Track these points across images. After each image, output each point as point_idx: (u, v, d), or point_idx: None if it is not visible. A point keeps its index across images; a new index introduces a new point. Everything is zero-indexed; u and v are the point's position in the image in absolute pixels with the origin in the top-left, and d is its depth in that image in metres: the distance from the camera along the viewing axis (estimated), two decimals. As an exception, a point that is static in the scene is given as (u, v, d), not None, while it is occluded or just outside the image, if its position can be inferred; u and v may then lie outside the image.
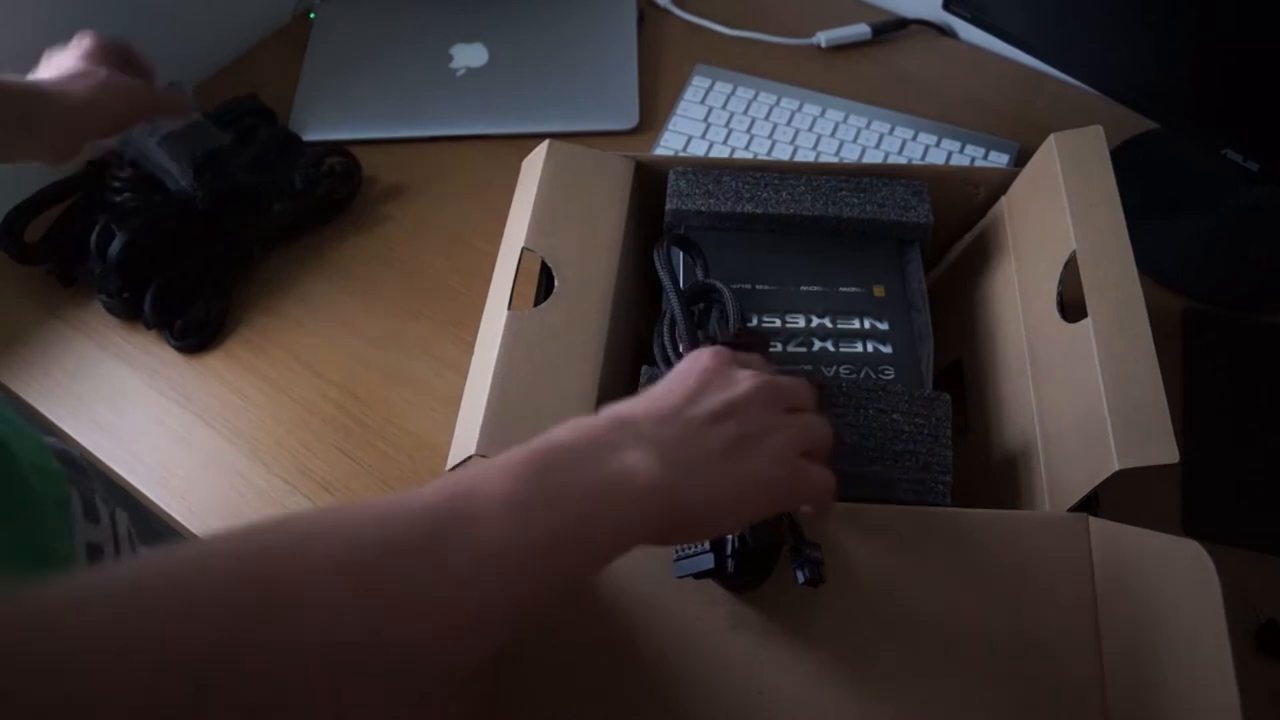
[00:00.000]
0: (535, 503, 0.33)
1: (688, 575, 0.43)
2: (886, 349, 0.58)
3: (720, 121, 0.85)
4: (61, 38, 0.78)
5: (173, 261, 0.72)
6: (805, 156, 0.82)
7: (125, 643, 0.25)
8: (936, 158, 0.81)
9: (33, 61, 0.69)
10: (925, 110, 0.84)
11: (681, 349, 0.50)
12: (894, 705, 0.44)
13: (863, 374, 0.57)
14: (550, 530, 0.33)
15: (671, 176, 0.63)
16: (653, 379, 0.52)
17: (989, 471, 0.56)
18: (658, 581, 0.46)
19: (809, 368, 0.56)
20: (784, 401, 0.40)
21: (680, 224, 0.62)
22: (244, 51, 0.93)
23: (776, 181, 0.62)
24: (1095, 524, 0.46)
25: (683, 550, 0.44)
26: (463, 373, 0.53)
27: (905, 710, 0.44)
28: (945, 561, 0.46)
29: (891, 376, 0.57)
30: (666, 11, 0.95)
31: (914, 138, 0.82)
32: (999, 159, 0.81)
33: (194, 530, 0.64)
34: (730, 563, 0.42)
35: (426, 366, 0.72)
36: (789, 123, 0.84)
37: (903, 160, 0.81)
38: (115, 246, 0.70)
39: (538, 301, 0.56)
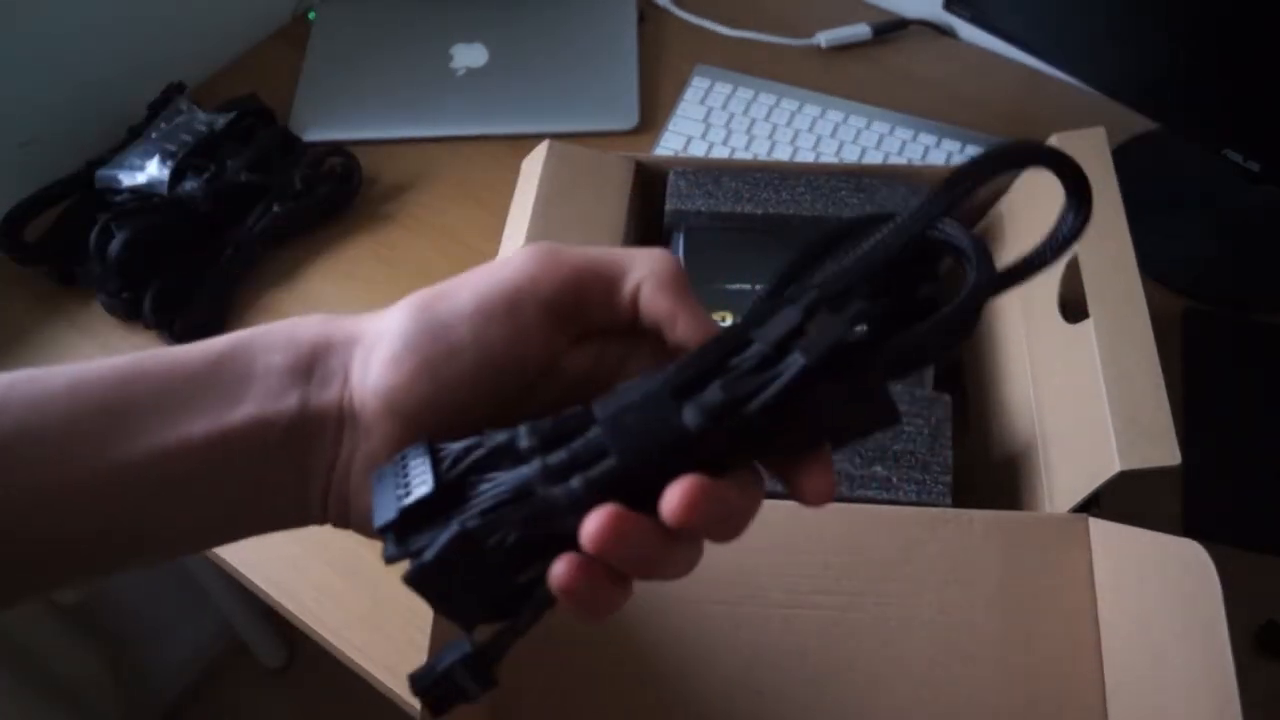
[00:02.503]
0: None
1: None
2: (887, 349, 0.58)
3: (720, 122, 0.85)
4: (62, 39, 0.78)
5: (173, 261, 0.72)
6: (805, 157, 0.82)
7: None
8: (937, 158, 0.81)
9: (31, 62, 0.69)
10: (925, 110, 0.84)
11: None
12: (893, 705, 0.44)
13: (863, 374, 0.57)
14: None
15: (671, 176, 0.63)
16: None
17: (989, 472, 0.56)
18: (659, 581, 0.46)
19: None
20: None
21: (680, 224, 0.62)
22: (244, 51, 0.93)
23: (776, 181, 0.62)
24: (1095, 524, 0.46)
25: None
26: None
27: (904, 710, 0.44)
28: (945, 562, 0.46)
29: (892, 376, 0.57)
30: (666, 11, 0.95)
31: (914, 138, 0.82)
32: (999, 159, 0.80)
33: (194, 530, 0.64)
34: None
35: (426, 366, 0.71)
36: (789, 123, 0.84)
37: (903, 161, 0.81)
38: (115, 246, 0.70)
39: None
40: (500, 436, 0.26)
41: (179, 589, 1.18)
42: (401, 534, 0.26)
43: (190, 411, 0.27)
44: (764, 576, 0.46)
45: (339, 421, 0.28)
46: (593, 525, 0.24)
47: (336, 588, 0.61)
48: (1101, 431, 0.46)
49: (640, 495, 0.25)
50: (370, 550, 0.62)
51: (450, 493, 0.25)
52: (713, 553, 0.47)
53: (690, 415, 0.25)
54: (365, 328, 0.29)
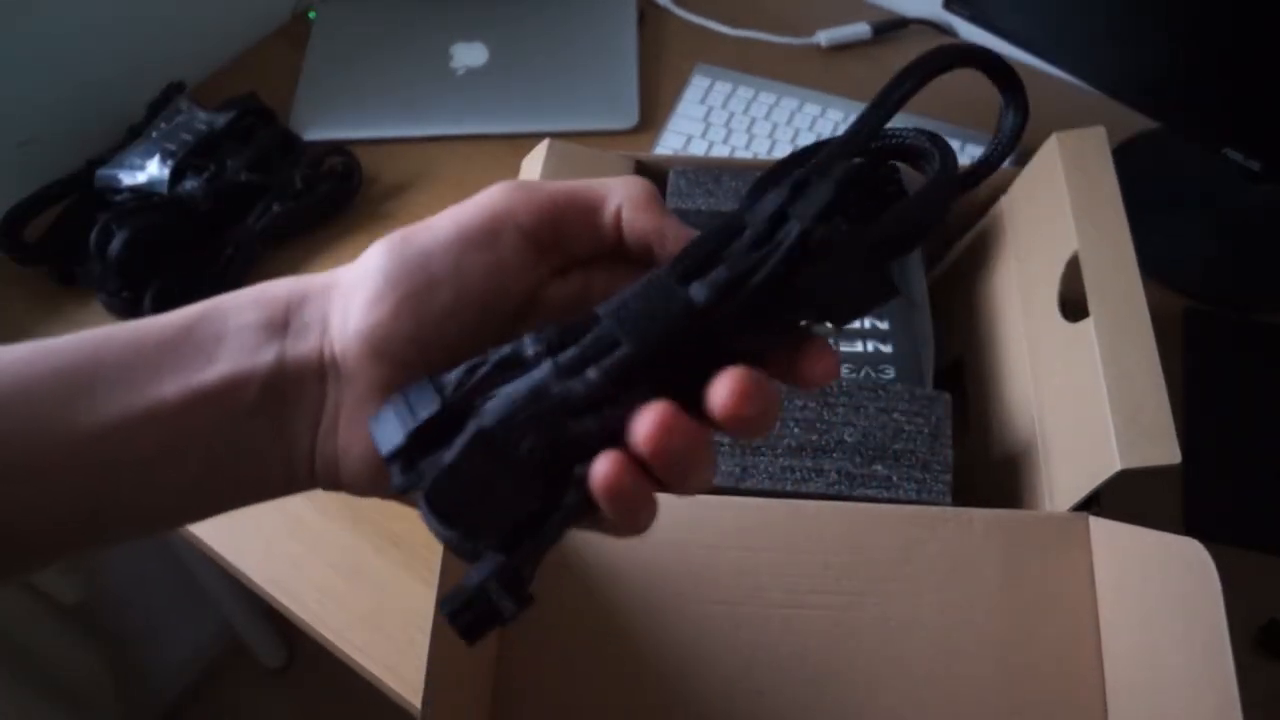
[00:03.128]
0: None
1: None
2: (887, 348, 0.58)
3: (720, 121, 0.85)
4: (62, 39, 0.78)
5: (173, 261, 0.72)
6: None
7: None
8: (937, 157, 0.81)
9: (31, 62, 0.69)
10: (925, 110, 0.84)
11: None
12: (893, 705, 0.44)
13: (863, 373, 0.57)
14: None
15: (671, 176, 0.63)
16: None
17: (989, 471, 0.56)
18: (659, 581, 0.46)
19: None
20: None
21: (680, 223, 0.62)
22: (244, 51, 0.93)
23: (777, 181, 0.62)
24: (1096, 523, 0.46)
25: None
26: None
27: (904, 710, 0.44)
28: (945, 561, 0.46)
29: (891, 376, 0.57)
30: (666, 11, 0.95)
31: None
32: (999, 159, 0.80)
33: (195, 533, 0.64)
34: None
35: (426, 366, 0.71)
36: (789, 123, 0.84)
37: (903, 160, 0.81)
38: (115, 245, 0.70)
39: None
40: (504, 349, 0.25)
41: (179, 589, 1.18)
42: (409, 461, 0.24)
43: (160, 375, 0.26)
44: (764, 576, 0.46)
45: (320, 372, 0.27)
46: (648, 423, 0.23)
47: (338, 588, 0.61)
48: (1102, 430, 0.46)
49: (659, 387, 0.24)
50: (372, 550, 0.62)
51: (459, 416, 0.24)
52: (713, 552, 0.47)
53: (697, 292, 0.24)
54: (341, 275, 0.28)
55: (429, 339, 0.27)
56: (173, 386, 0.26)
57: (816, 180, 0.25)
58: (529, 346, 0.25)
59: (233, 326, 0.27)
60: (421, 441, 0.24)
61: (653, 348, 0.24)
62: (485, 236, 0.27)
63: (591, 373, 0.24)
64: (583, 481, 0.24)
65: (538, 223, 0.28)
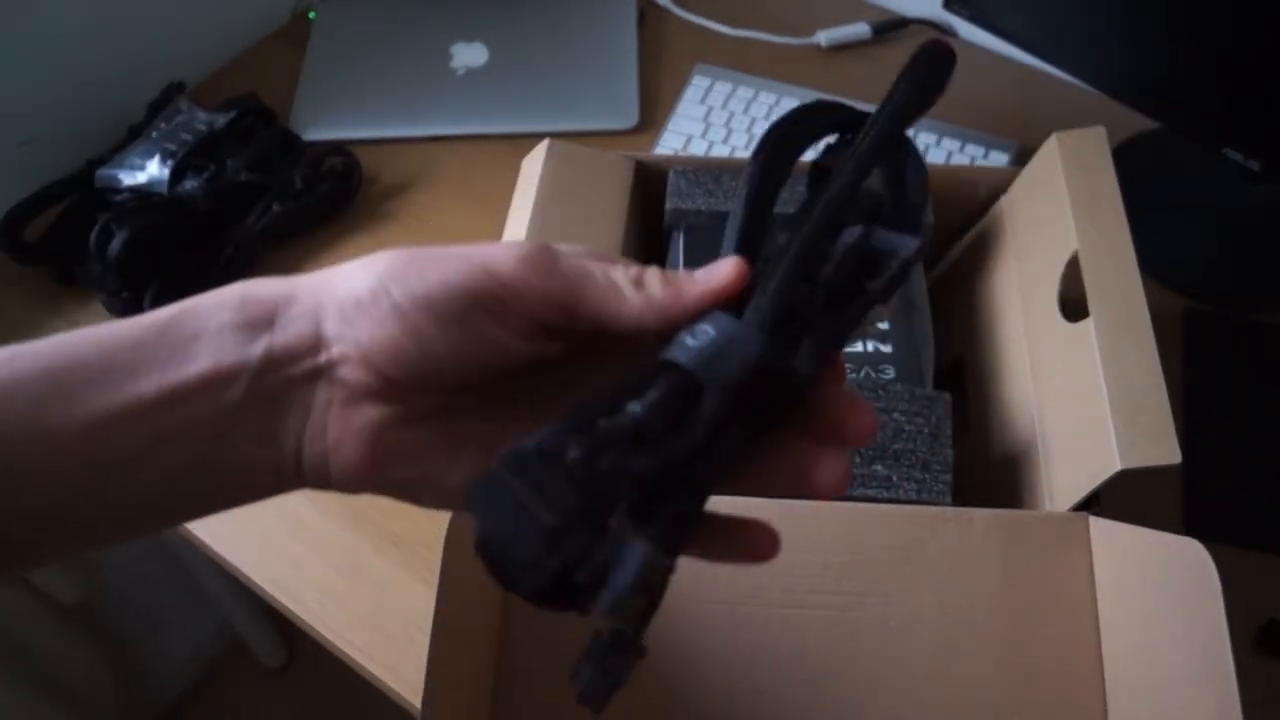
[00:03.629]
0: None
1: None
2: (886, 348, 0.58)
3: (720, 121, 0.85)
4: (62, 39, 0.78)
5: (173, 261, 0.72)
6: (805, 156, 0.82)
7: None
8: (936, 157, 0.81)
9: (31, 62, 0.69)
10: (925, 110, 0.84)
11: None
12: (893, 705, 0.44)
13: (863, 373, 0.57)
14: None
15: (671, 176, 0.63)
16: None
17: (989, 471, 0.56)
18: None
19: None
20: None
21: (680, 223, 0.62)
22: (244, 51, 0.93)
23: (777, 181, 0.62)
24: (1095, 523, 0.46)
25: None
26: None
27: (904, 710, 0.44)
28: (945, 561, 0.46)
29: (891, 376, 0.57)
30: (666, 11, 0.95)
31: (913, 137, 0.82)
32: (999, 159, 0.80)
33: (195, 533, 0.64)
34: None
35: (426, 366, 0.71)
36: (789, 122, 0.84)
37: (903, 160, 0.81)
38: (115, 246, 0.70)
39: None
40: (610, 422, 0.24)
41: (179, 589, 1.18)
42: (546, 574, 0.23)
43: (136, 375, 0.26)
44: (764, 576, 0.46)
45: (312, 372, 0.27)
46: (834, 483, 0.27)
47: (338, 588, 0.61)
48: (1102, 430, 0.46)
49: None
50: (372, 550, 0.62)
51: (592, 503, 0.23)
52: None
53: (804, 364, 0.26)
54: (335, 279, 0.28)
55: (424, 369, 0.27)
56: (149, 385, 0.26)
57: (879, 259, 0.30)
58: (642, 421, 0.24)
59: (212, 325, 0.27)
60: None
61: (759, 420, 0.26)
62: (496, 305, 0.27)
63: (717, 453, 0.25)
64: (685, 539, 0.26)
65: (550, 313, 0.27)
